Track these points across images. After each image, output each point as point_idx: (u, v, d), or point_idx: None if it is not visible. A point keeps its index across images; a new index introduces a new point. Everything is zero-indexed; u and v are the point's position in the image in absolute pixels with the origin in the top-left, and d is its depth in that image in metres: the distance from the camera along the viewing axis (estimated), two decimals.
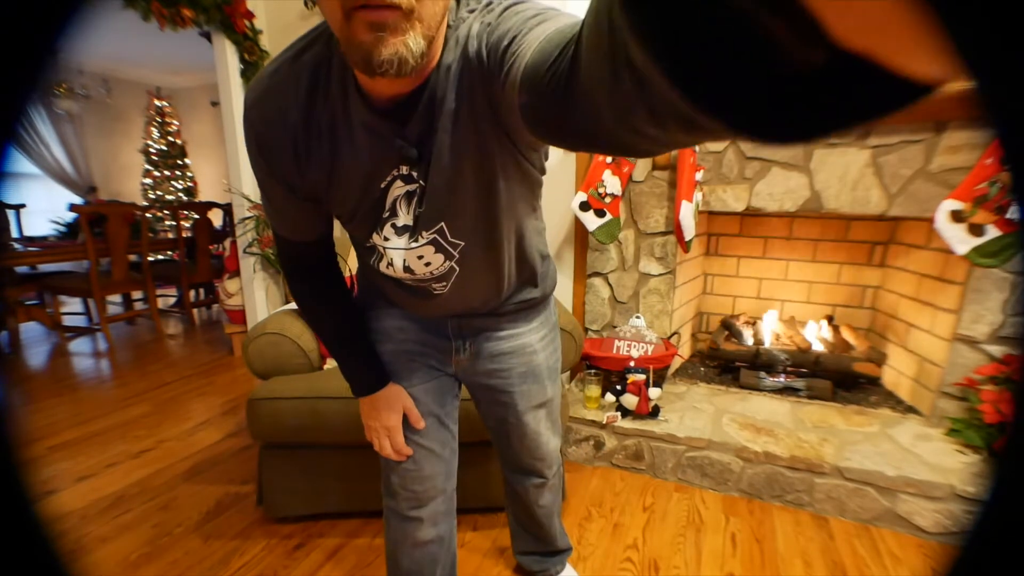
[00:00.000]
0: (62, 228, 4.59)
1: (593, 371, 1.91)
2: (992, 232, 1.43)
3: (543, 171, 0.72)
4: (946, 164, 1.59)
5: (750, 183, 1.84)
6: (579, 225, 2.05)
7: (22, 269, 3.63)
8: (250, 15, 2.42)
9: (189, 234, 4.03)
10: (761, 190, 1.83)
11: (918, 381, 1.89)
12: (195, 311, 4.20)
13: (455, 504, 0.99)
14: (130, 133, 5.63)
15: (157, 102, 5.52)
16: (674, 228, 1.85)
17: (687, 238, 1.82)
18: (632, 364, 1.86)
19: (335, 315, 0.86)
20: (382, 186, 0.66)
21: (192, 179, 5.78)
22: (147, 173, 5.56)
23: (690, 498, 1.68)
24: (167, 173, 5.61)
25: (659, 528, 1.54)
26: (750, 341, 2.13)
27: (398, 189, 0.67)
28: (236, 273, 2.93)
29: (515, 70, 0.45)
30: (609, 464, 1.86)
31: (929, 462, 1.55)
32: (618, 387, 1.86)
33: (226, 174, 2.78)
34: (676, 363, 2.23)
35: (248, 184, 2.55)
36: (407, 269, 0.73)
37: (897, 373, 2.03)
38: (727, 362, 2.19)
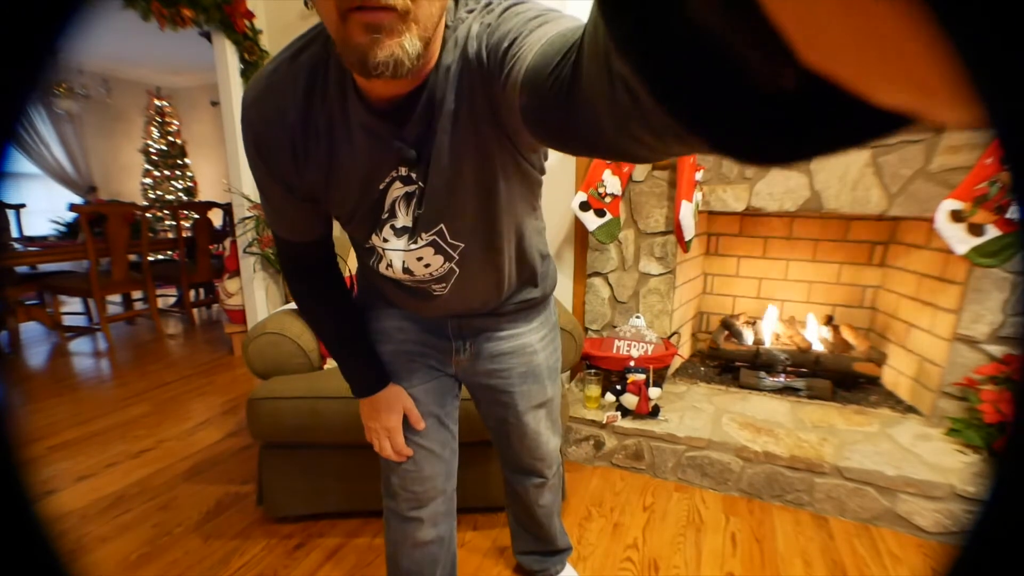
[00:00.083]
0: (62, 228, 4.59)
1: (593, 371, 1.91)
2: (992, 232, 1.43)
3: (543, 171, 0.72)
4: (946, 164, 1.59)
5: (750, 183, 1.84)
6: (579, 225, 2.05)
7: (22, 269, 3.63)
8: (250, 15, 2.42)
9: (189, 234, 4.03)
10: (761, 190, 1.83)
11: (918, 381, 1.89)
12: (195, 311, 4.20)
13: (455, 504, 0.99)
14: (130, 133, 5.63)
15: (157, 102, 5.52)
16: (674, 228, 1.85)
17: (687, 238, 1.82)
18: (632, 364, 1.86)
19: (335, 315, 0.85)
20: (380, 187, 0.66)
21: (192, 179, 5.78)
22: (147, 173, 5.56)
23: (690, 498, 1.68)
24: (167, 173, 5.61)
25: (659, 528, 1.54)
26: (750, 341, 2.13)
27: (397, 190, 0.66)
28: (236, 273, 2.93)
29: (516, 72, 0.44)
30: (609, 464, 1.86)
31: (929, 462, 1.55)
32: (618, 387, 1.86)
33: (226, 174, 2.78)
34: (676, 363, 2.23)
35: (248, 184, 2.54)
36: (406, 270, 0.73)
37: (897, 373, 2.03)
38: (727, 362, 2.19)
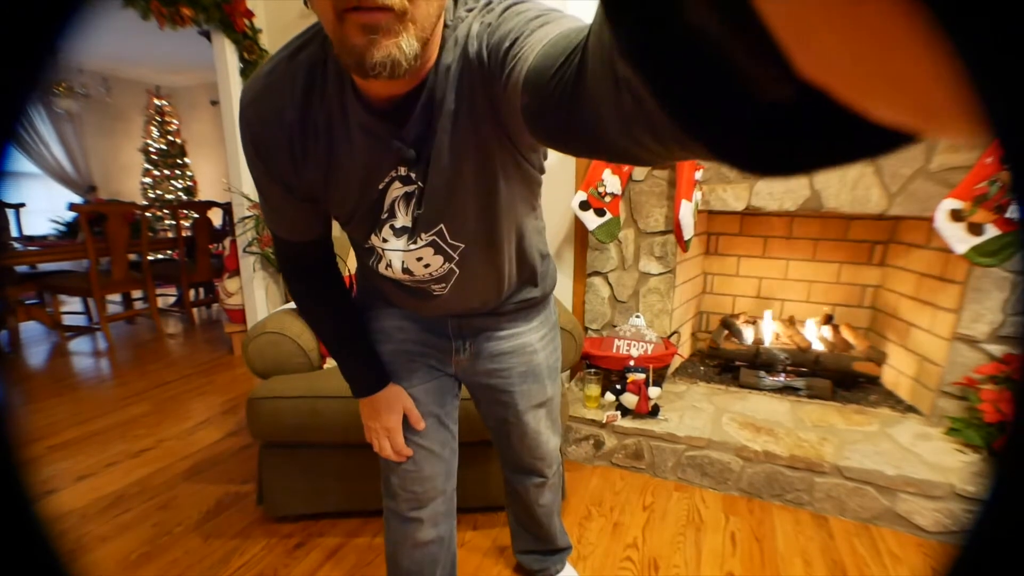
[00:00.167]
0: (62, 227, 4.58)
1: (593, 370, 1.91)
2: (991, 231, 1.43)
3: (542, 171, 0.72)
4: (946, 163, 1.59)
5: (750, 182, 1.84)
6: (579, 224, 2.05)
7: (22, 268, 3.62)
8: (249, 14, 2.42)
9: (189, 233, 4.03)
10: (761, 189, 1.83)
11: (918, 380, 1.89)
12: (195, 310, 4.20)
13: (455, 504, 0.99)
14: (130, 132, 5.62)
15: (157, 101, 5.52)
16: (673, 227, 1.85)
17: (686, 237, 1.82)
18: (632, 363, 1.86)
19: (334, 315, 0.85)
20: (380, 187, 0.66)
21: (192, 178, 5.78)
22: (147, 172, 5.56)
23: (690, 497, 1.69)
24: (167, 172, 5.61)
25: (659, 527, 1.54)
26: (750, 340, 2.13)
27: (396, 190, 0.66)
28: (236, 272, 2.93)
29: (517, 72, 0.44)
30: (609, 463, 1.86)
31: (929, 461, 1.55)
32: (618, 386, 1.86)
33: (226, 173, 2.78)
34: (676, 362, 2.23)
35: (248, 183, 2.54)
36: (406, 271, 0.73)
37: (897, 372, 2.03)
38: (727, 361, 2.19)
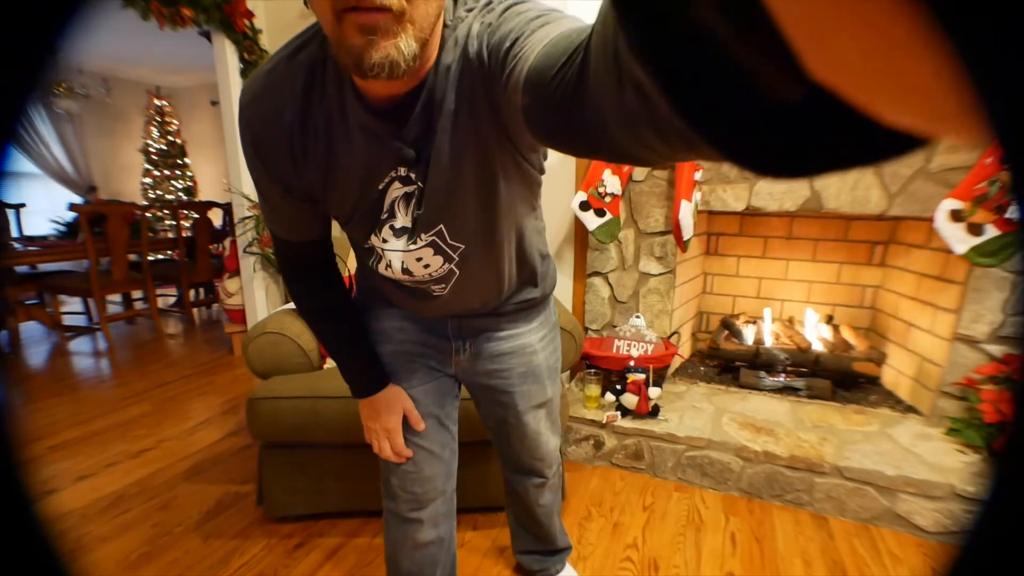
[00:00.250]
0: (62, 228, 4.58)
1: (593, 370, 1.91)
2: (991, 231, 1.43)
3: (542, 171, 0.72)
4: (946, 163, 1.59)
5: (750, 182, 1.84)
6: (579, 224, 2.05)
7: (22, 269, 3.62)
8: (250, 14, 2.42)
9: (189, 234, 4.03)
10: (761, 189, 1.83)
11: (918, 381, 1.89)
12: (195, 311, 4.20)
13: (455, 505, 0.99)
14: (130, 133, 5.63)
15: (157, 101, 5.52)
16: (672, 227, 1.85)
17: (685, 238, 1.82)
18: (632, 363, 1.86)
19: (333, 316, 0.85)
20: (380, 187, 0.66)
21: (192, 178, 5.78)
22: (147, 172, 5.56)
23: (690, 497, 1.68)
24: (167, 172, 5.61)
25: (659, 527, 1.54)
26: (750, 340, 2.13)
27: (396, 191, 0.66)
28: (236, 272, 2.93)
29: (518, 72, 0.44)
30: (609, 463, 1.86)
31: (929, 462, 1.55)
32: (618, 386, 1.86)
33: (226, 173, 2.78)
34: (676, 362, 2.23)
35: (248, 183, 2.54)
36: (405, 271, 0.73)
37: (897, 373, 2.03)
38: (727, 362, 2.19)
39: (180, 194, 5.67)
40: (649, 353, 1.91)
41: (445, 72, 0.58)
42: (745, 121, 0.15)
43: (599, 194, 1.90)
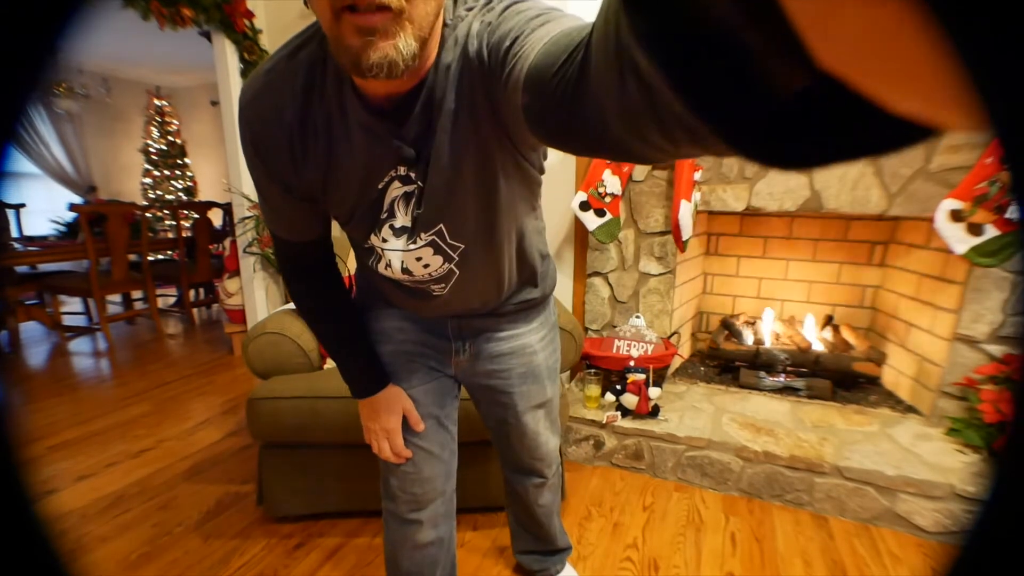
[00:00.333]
0: (62, 228, 4.58)
1: (593, 371, 1.91)
2: (991, 231, 1.43)
3: (542, 171, 0.72)
4: (946, 163, 1.59)
5: (750, 183, 1.84)
6: (579, 225, 2.05)
7: (22, 269, 3.62)
8: (250, 14, 2.42)
9: (189, 234, 4.03)
10: (761, 190, 1.83)
11: (918, 381, 1.89)
12: (195, 311, 4.20)
13: (455, 505, 0.99)
14: (130, 133, 5.63)
15: (157, 101, 5.52)
16: (671, 227, 1.85)
17: (684, 238, 1.82)
18: (632, 364, 1.86)
19: (333, 316, 0.85)
20: (379, 187, 0.66)
21: (192, 179, 5.78)
22: (147, 173, 5.56)
23: (690, 498, 1.68)
24: (167, 173, 5.61)
25: (659, 527, 1.54)
26: (750, 341, 2.13)
27: (396, 190, 0.66)
28: (236, 273, 2.93)
29: (518, 71, 0.44)
30: (609, 464, 1.86)
31: (929, 462, 1.55)
32: (618, 387, 1.86)
33: (226, 173, 2.78)
34: (676, 363, 2.23)
35: (248, 184, 2.54)
36: (405, 271, 0.73)
37: (897, 373, 2.03)
38: (727, 362, 2.19)
39: (180, 194, 5.67)
40: (649, 353, 1.91)
41: (445, 71, 0.58)
42: (750, 110, 0.15)
43: (599, 194, 1.90)
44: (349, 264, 1.67)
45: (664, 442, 1.75)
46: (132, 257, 3.60)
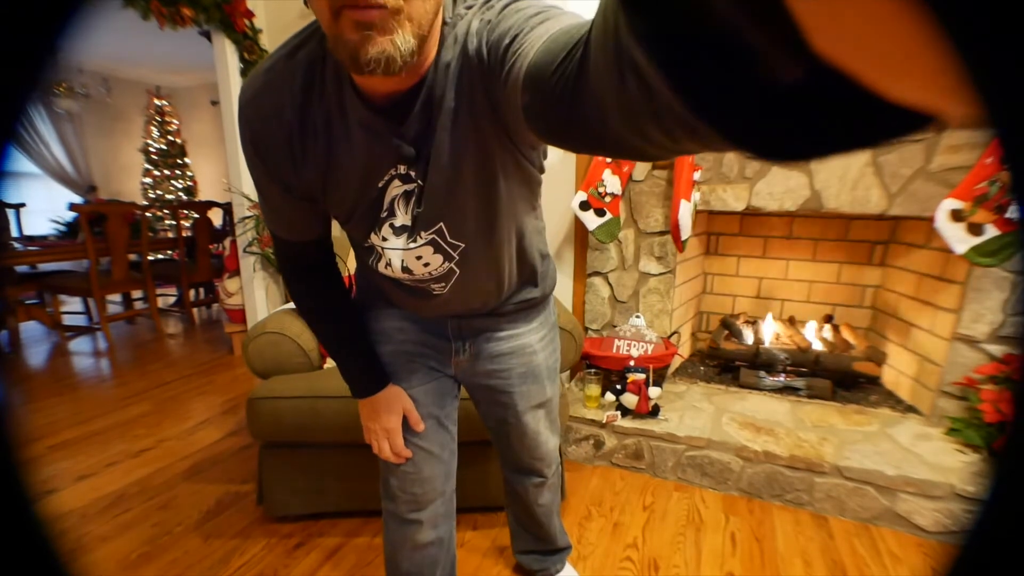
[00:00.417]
0: (62, 227, 4.58)
1: (593, 370, 1.91)
2: (991, 231, 1.43)
3: (542, 170, 0.72)
4: (946, 163, 1.59)
5: (750, 182, 1.84)
6: (579, 224, 2.05)
7: (22, 268, 3.62)
8: (250, 14, 2.42)
9: (189, 233, 4.03)
10: (761, 189, 1.83)
11: (918, 380, 1.89)
12: (195, 310, 4.20)
13: (455, 505, 0.99)
14: (130, 132, 5.62)
15: (157, 101, 5.52)
16: (671, 227, 1.85)
17: (683, 237, 1.82)
18: (632, 363, 1.86)
19: (333, 316, 0.85)
20: (379, 185, 0.66)
21: (192, 178, 5.78)
22: (147, 172, 5.56)
23: (690, 497, 1.68)
24: (167, 172, 5.61)
25: (659, 527, 1.54)
26: (750, 340, 2.13)
27: (396, 189, 0.66)
28: (236, 272, 2.93)
29: (517, 69, 0.44)
30: (609, 463, 1.86)
31: (929, 461, 1.55)
32: (618, 386, 1.86)
33: (226, 173, 2.78)
34: (676, 362, 2.23)
35: (248, 183, 2.54)
36: (405, 269, 0.73)
37: (897, 372, 2.03)
38: (727, 361, 2.19)
39: (180, 194, 5.66)
40: (649, 353, 1.91)
41: (445, 69, 0.58)
42: (748, 104, 0.15)
43: (599, 194, 1.90)
44: (349, 264, 1.67)
45: (664, 442, 1.75)
46: (132, 257, 3.60)
